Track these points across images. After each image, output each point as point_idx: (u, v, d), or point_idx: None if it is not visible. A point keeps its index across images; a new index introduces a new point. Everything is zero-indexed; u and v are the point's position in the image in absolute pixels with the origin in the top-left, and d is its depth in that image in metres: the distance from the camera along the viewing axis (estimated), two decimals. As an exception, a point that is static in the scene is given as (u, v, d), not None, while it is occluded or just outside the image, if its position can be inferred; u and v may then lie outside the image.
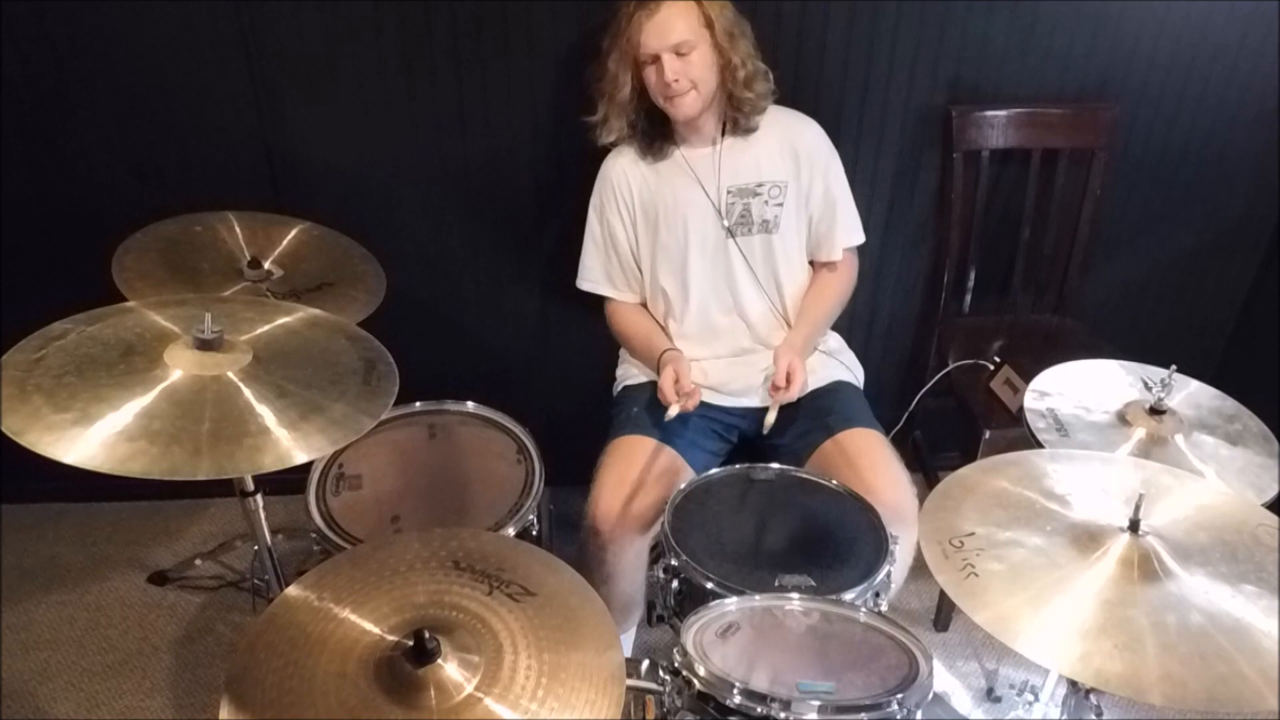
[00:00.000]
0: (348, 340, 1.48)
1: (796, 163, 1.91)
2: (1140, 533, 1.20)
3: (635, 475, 1.79)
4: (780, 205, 1.91)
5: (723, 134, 1.90)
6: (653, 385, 1.93)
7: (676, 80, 1.77)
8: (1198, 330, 2.55)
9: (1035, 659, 1.09)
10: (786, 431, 1.90)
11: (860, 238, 2.01)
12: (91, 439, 1.18)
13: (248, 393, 1.29)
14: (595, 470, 1.83)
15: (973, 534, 1.24)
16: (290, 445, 1.24)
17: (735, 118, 1.88)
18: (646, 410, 1.91)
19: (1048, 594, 1.15)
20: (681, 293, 1.95)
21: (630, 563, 1.80)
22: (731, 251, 1.92)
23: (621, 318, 2.03)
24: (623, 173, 1.93)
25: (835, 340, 2.07)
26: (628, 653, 1.98)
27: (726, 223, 1.90)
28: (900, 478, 1.79)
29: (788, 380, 1.82)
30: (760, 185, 1.90)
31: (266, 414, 1.27)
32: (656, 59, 1.77)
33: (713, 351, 1.98)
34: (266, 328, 1.45)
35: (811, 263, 2.01)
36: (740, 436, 1.98)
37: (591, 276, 2.02)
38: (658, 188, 1.92)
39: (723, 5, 1.79)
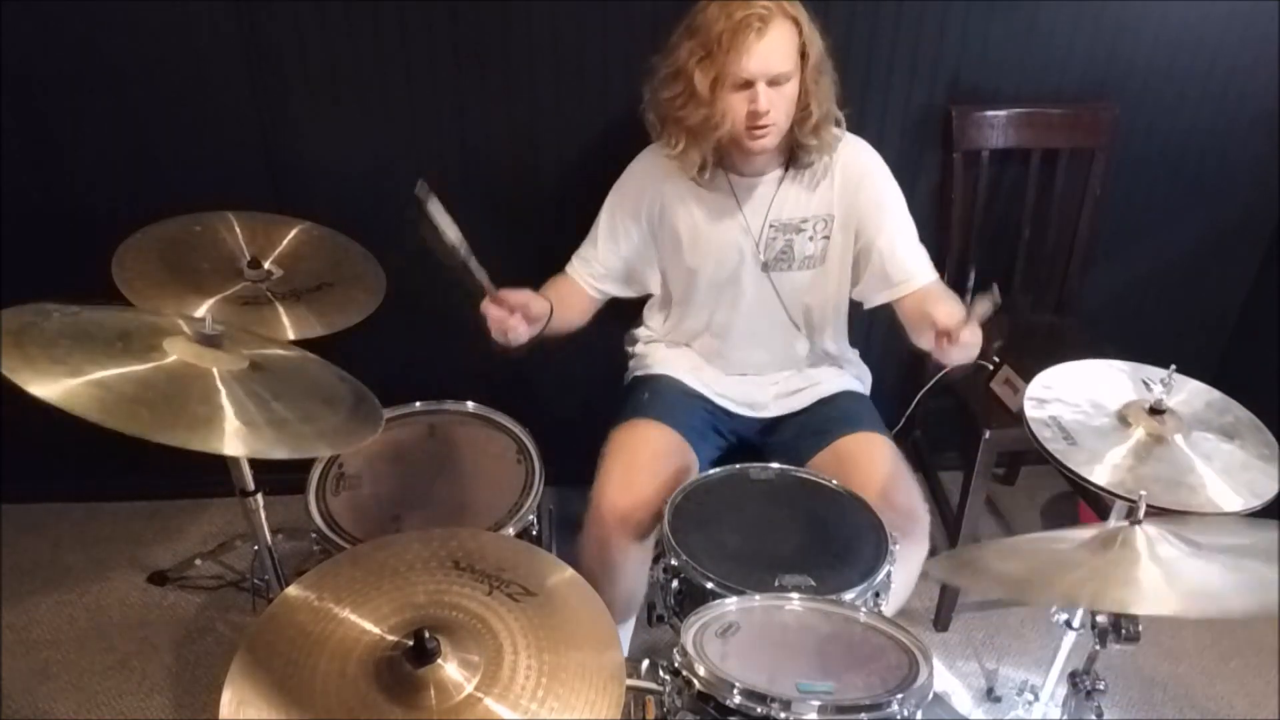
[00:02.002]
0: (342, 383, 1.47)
1: (846, 193, 1.79)
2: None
3: (643, 461, 1.75)
4: (826, 239, 1.82)
5: (785, 168, 1.78)
6: (666, 377, 1.93)
7: (769, 112, 1.60)
8: (1198, 330, 2.55)
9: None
10: (788, 436, 1.89)
11: (932, 273, 1.83)
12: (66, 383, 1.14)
13: (223, 390, 1.26)
14: (601, 456, 1.79)
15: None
16: (232, 435, 1.20)
17: (797, 155, 1.75)
18: (658, 398, 1.89)
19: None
20: (705, 317, 1.91)
21: (633, 554, 1.76)
22: (765, 287, 1.85)
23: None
24: (656, 184, 1.81)
25: (851, 352, 2.04)
26: (626, 647, 1.97)
27: (764, 258, 1.82)
28: (909, 483, 1.75)
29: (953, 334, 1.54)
30: (805, 221, 1.80)
31: (227, 406, 1.23)
32: (749, 85, 1.60)
33: (727, 370, 1.95)
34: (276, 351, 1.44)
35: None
36: (740, 439, 1.97)
37: (574, 261, 1.92)
38: (695, 210, 1.81)
39: (815, 33, 1.63)
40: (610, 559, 1.75)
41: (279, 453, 1.23)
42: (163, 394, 1.21)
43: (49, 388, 1.12)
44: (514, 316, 1.65)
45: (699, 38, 1.62)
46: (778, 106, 1.63)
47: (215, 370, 1.28)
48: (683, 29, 1.66)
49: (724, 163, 1.77)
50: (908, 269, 1.80)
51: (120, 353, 1.25)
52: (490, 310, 1.64)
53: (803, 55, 1.63)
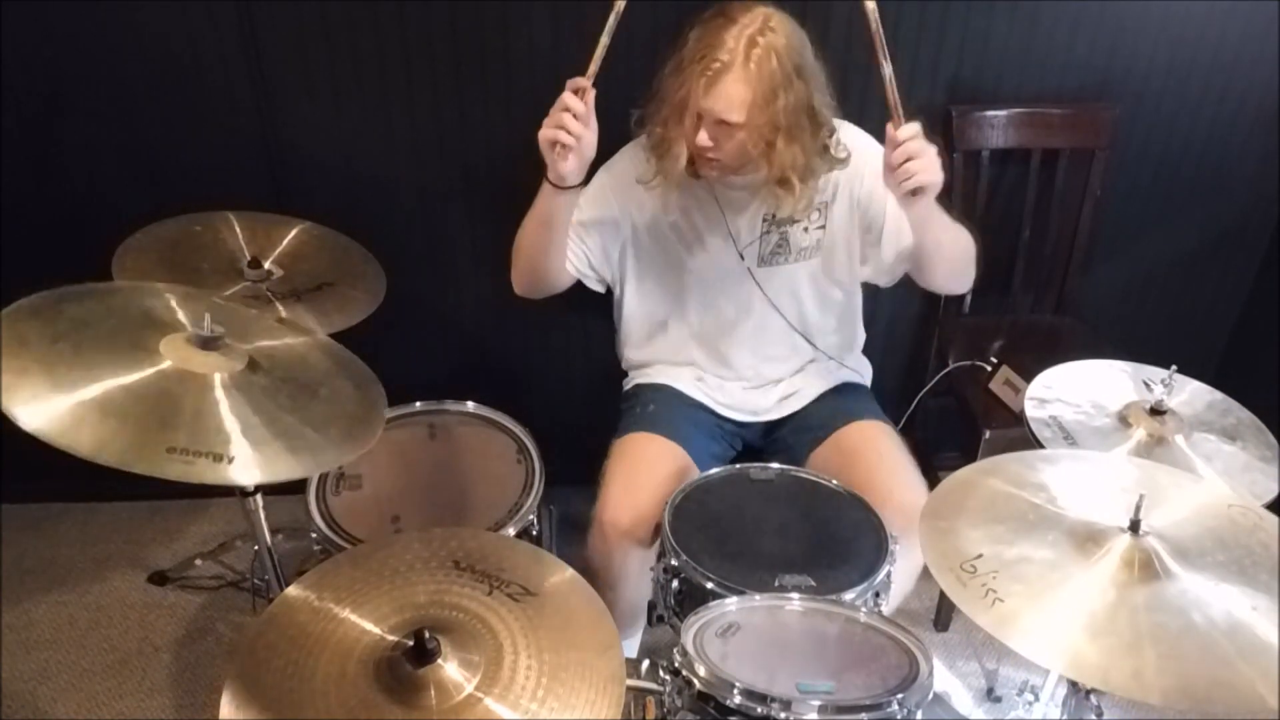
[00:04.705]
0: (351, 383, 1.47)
1: (848, 176, 1.76)
2: (1140, 533, 1.20)
3: (645, 478, 1.75)
4: (822, 228, 1.81)
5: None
6: (668, 388, 1.92)
7: (712, 148, 1.63)
8: (1198, 330, 2.55)
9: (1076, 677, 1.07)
10: (788, 434, 1.89)
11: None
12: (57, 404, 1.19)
13: (224, 401, 1.27)
14: (604, 470, 1.80)
15: (981, 555, 1.22)
16: (247, 464, 1.21)
17: None
18: (660, 409, 1.88)
19: (1070, 608, 1.13)
20: (694, 322, 1.89)
21: (638, 567, 1.75)
22: (752, 288, 1.83)
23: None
24: (639, 181, 1.75)
25: (857, 338, 2.02)
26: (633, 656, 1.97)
27: (749, 261, 1.79)
28: (912, 474, 1.74)
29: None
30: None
31: (235, 428, 1.24)
32: (700, 117, 1.61)
33: (728, 377, 1.94)
34: (283, 341, 1.44)
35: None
36: (744, 445, 1.97)
37: None
38: (679, 208, 1.78)
39: (799, 87, 1.59)
40: (612, 573, 1.76)
41: (289, 474, 1.24)
42: (161, 417, 1.21)
43: (44, 420, 1.19)
44: (581, 123, 1.61)
45: (677, 60, 1.63)
46: (724, 148, 1.62)
47: (215, 379, 1.29)
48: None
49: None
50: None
51: (118, 362, 1.26)
52: (570, 100, 1.61)
53: (765, 115, 1.58)
